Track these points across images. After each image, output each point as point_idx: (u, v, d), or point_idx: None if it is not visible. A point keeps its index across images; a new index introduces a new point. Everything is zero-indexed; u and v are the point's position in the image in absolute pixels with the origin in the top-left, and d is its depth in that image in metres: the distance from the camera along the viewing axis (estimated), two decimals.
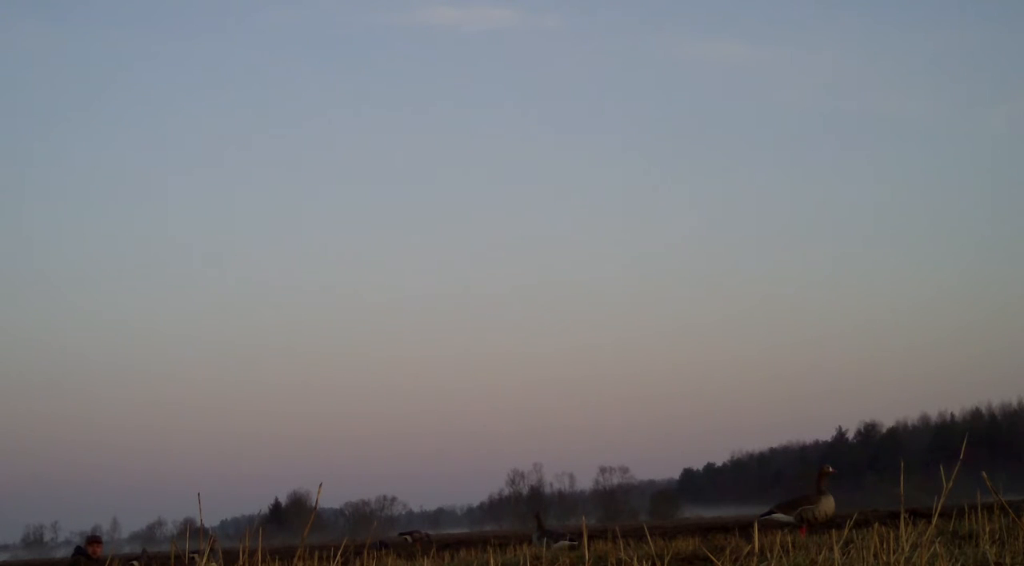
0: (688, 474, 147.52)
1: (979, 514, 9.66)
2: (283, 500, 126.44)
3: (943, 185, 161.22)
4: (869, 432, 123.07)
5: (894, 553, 5.54)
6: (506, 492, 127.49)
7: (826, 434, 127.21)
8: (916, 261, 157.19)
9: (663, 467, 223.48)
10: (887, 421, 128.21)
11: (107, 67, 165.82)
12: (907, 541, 5.65)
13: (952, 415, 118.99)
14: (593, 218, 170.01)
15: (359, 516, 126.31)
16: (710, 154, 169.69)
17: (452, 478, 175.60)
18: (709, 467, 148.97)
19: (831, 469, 13.39)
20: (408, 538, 30.74)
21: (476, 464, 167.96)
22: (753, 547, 7.02)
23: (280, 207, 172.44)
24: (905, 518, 5.95)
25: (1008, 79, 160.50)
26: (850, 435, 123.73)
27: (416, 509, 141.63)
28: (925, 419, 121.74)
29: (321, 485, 7.13)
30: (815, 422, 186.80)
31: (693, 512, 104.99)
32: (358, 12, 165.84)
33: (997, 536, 7.54)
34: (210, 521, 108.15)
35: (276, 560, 14.09)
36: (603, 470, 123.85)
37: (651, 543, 9.87)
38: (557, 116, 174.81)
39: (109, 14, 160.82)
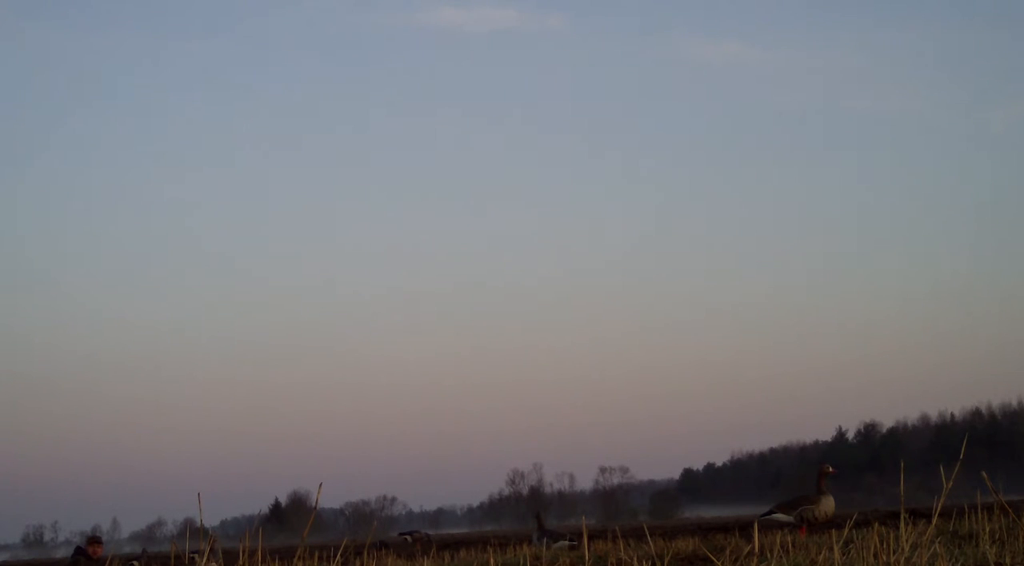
0: (688, 474, 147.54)
1: (979, 514, 9.66)
2: (283, 500, 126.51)
3: (943, 185, 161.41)
4: (869, 432, 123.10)
5: (894, 553, 5.54)
6: (506, 492, 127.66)
7: (826, 434, 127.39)
8: (916, 261, 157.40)
9: (663, 467, 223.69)
10: (887, 421, 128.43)
11: (107, 67, 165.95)
12: (907, 541, 5.65)
13: (952, 415, 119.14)
14: (593, 217, 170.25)
15: (359, 516, 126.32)
16: (712, 154, 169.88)
17: (452, 478, 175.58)
18: (709, 467, 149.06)
19: (831, 469, 13.39)
20: (408, 538, 30.74)
21: (476, 464, 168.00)
22: (753, 547, 7.02)
23: (280, 207, 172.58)
24: (905, 518, 5.95)
25: (1008, 79, 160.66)
26: (850, 435, 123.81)
27: (416, 509, 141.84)
28: (925, 419, 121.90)
29: (321, 485, 7.13)
30: (815, 422, 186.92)
31: (693, 512, 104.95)
32: (360, 13, 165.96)
33: (997, 536, 7.54)
34: (210, 521, 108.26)
35: (276, 560, 14.09)
36: (603, 470, 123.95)
37: (651, 543, 9.87)
38: (560, 116, 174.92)
39: (110, 14, 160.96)
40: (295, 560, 5.25)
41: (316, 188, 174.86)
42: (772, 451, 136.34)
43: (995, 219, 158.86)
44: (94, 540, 16.96)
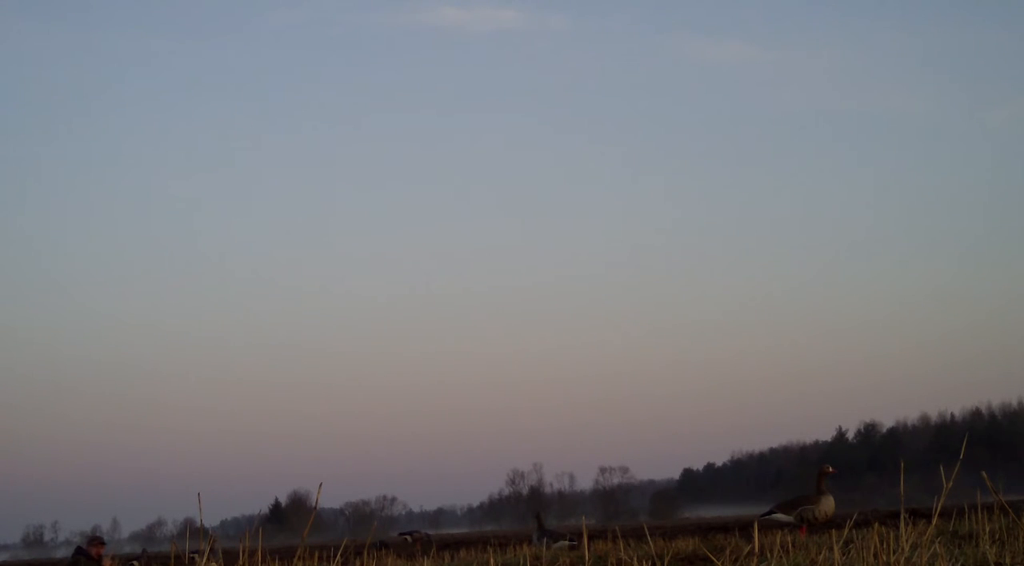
0: (688, 474, 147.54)
1: (979, 514, 9.66)
2: (283, 500, 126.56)
3: (942, 185, 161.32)
4: (869, 432, 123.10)
5: (894, 553, 5.54)
6: (506, 492, 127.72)
7: (826, 434, 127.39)
8: (916, 261, 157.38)
9: (663, 467, 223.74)
10: (887, 421, 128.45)
11: (107, 67, 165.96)
12: (907, 541, 5.65)
13: (952, 415, 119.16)
14: (595, 217, 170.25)
15: (359, 516, 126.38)
16: (714, 154, 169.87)
17: (452, 478, 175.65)
18: (709, 467, 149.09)
19: (831, 469, 13.39)
20: (408, 538, 30.73)
21: (476, 464, 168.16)
22: (753, 547, 7.02)
23: (280, 207, 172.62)
24: (905, 518, 5.95)
25: (1008, 79, 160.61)
26: (850, 435, 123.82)
27: (416, 509, 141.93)
28: (925, 419, 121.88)
29: (321, 485, 7.14)
30: (815, 422, 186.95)
31: (693, 512, 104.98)
32: (360, 13, 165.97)
33: (997, 536, 7.54)
34: (210, 521, 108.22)
35: (276, 560, 14.08)
36: (603, 470, 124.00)
37: (651, 543, 9.87)
38: (562, 116, 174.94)
39: (110, 14, 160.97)
40: (295, 560, 5.25)
41: (317, 189, 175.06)
42: (772, 451, 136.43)
43: (995, 219, 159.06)
44: (97, 541, 16.96)
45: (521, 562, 9.53)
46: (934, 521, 5.23)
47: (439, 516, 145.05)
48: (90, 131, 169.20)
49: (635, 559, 7.67)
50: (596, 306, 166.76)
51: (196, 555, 4.93)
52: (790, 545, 8.34)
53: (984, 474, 5.73)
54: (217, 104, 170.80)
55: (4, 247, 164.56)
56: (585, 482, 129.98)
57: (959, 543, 7.75)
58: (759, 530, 8.35)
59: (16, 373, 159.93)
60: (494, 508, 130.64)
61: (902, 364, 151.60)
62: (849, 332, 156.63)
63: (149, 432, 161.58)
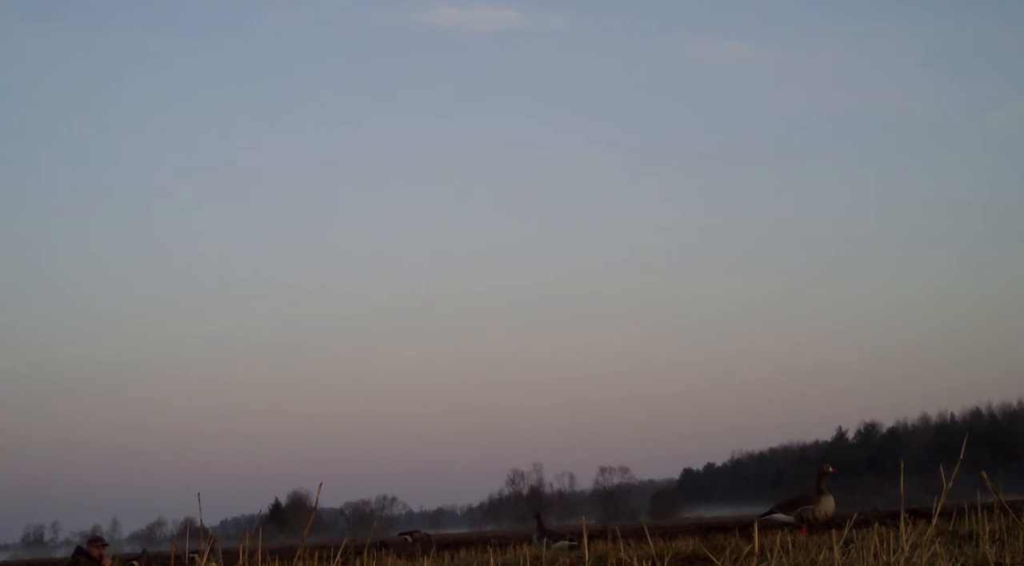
0: (688, 474, 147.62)
1: (979, 514, 9.66)
2: (283, 500, 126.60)
3: (942, 185, 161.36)
4: (869, 432, 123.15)
5: (894, 553, 5.54)
6: (506, 492, 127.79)
7: (826, 434, 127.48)
8: (916, 261, 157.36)
9: (663, 467, 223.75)
10: (887, 421, 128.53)
11: (107, 67, 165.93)
12: (907, 541, 5.65)
13: (952, 415, 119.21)
14: (595, 218, 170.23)
15: (359, 516, 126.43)
16: (714, 154, 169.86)
17: (452, 478, 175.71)
18: (709, 467, 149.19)
19: (831, 469, 13.38)
20: (408, 538, 30.73)
21: (476, 464, 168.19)
22: (753, 547, 7.02)
23: (280, 207, 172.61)
24: (905, 518, 5.95)
25: (1008, 79, 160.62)
26: (850, 435, 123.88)
27: (416, 509, 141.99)
28: (925, 419, 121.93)
29: (321, 485, 7.16)
30: (815, 422, 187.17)
31: (693, 512, 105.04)
32: (360, 13, 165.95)
33: (997, 536, 7.54)
34: (210, 521, 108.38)
35: (276, 560, 14.09)
36: (603, 470, 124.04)
37: (651, 543, 9.87)
38: (562, 116, 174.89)
39: (111, 14, 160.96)
40: (295, 560, 5.25)
41: (317, 189, 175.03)
42: (772, 451, 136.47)
43: (995, 219, 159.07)
44: (98, 541, 16.97)
45: (521, 562, 9.53)
46: (934, 521, 5.23)
47: (439, 516, 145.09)
48: (90, 131, 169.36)
49: (635, 559, 7.68)
50: (596, 306, 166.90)
51: (196, 555, 4.94)
52: (790, 545, 8.34)
53: (984, 474, 5.73)
54: (217, 104, 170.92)
55: (4, 247, 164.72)
56: (585, 482, 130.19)
57: (959, 543, 7.75)
58: (759, 530, 8.35)
59: (16, 373, 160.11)
60: (494, 508, 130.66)
61: (902, 364, 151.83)
62: (849, 332, 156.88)
63: (149, 432, 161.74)
